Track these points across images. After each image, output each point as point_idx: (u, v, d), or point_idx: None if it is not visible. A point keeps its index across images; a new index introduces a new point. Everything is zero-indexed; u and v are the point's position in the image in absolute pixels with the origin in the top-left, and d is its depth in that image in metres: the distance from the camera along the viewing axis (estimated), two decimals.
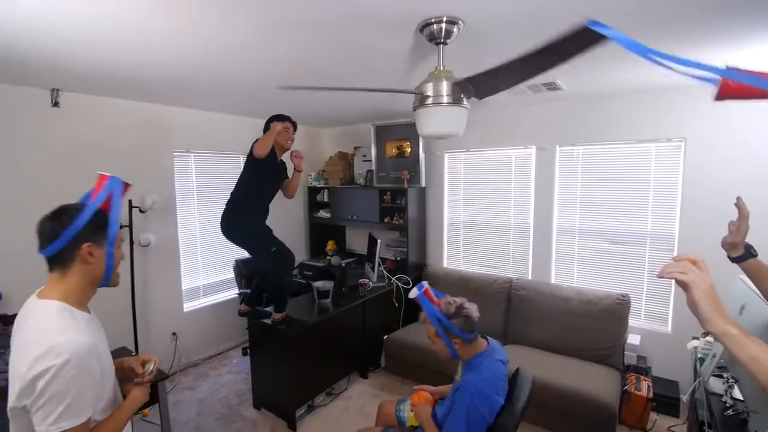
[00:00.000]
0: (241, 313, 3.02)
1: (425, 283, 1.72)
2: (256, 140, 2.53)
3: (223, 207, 2.68)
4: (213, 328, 3.89)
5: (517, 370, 1.82)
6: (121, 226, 1.17)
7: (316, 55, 2.04)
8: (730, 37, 1.81)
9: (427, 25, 1.60)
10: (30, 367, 0.91)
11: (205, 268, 3.90)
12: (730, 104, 2.68)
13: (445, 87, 1.60)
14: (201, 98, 3.16)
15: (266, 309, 3.03)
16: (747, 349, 0.73)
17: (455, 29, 1.61)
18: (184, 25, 1.65)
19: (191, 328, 3.70)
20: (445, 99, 1.60)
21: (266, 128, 2.61)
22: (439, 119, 1.64)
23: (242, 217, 2.62)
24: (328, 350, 3.11)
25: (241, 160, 4.06)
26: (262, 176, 2.60)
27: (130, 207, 3.03)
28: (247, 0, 1.42)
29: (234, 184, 2.71)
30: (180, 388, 3.31)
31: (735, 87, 0.79)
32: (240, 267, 3.89)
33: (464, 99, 1.64)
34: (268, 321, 2.85)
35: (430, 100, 1.63)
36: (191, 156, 3.68)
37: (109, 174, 1.13)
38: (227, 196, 2.71)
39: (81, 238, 1.04)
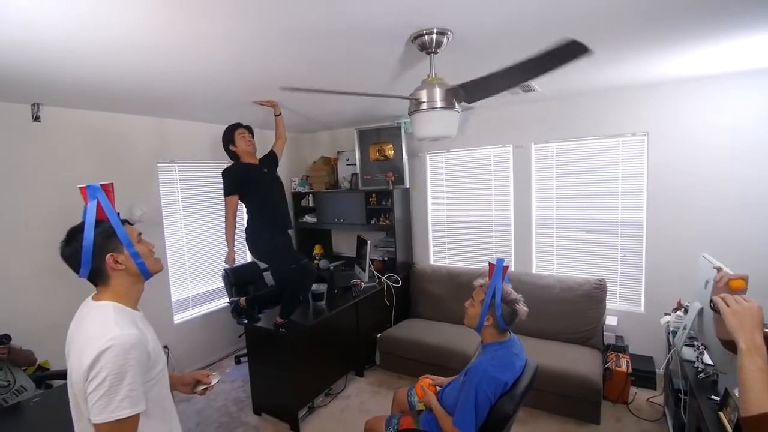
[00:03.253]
0: (236, 309, 3.06)
1: (505, 260, 1.83)
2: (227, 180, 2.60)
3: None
4: (204, 338, 3.87)
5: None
6: (126, 222, 1.17)
7: (311, 64, 2.12)
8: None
9: (418, 36, 1.72)
10: (95, 356, 0.97)
11: (193, 279, 3.87)
12: (688, 101, 2.98)
13: (438, 93, 1.73)
14: (186, 109, 3.16)
15: (259, 316, 3.08)
16: (741, 359, 0.92)
17: (445, 39, 1.74)
18: (176, 38, 1.67)
19: (183, 340, 3.66)
20: (439, 104, 1.73)
21: (227, 151, 2.69)
22: (435, 123, 1.76)
23: (263, 232, 2.68)
24: (325, 351, 3.18)
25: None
26: (260, 193, 2.66)
27: None
28: (248, 12, 1.49)
29: (221, 193, 2.73)
30: (176, 401, 3.26)
31: None
32: (229, 275, 3.89)
33: (456, 103, 1.78)
34: (263, 325, 2.93)
35: (425, 105, 1.75)
36: (175, 166, 3.65)
37: (85, 184, 1.13)
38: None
39: (100, 253, 1.08)
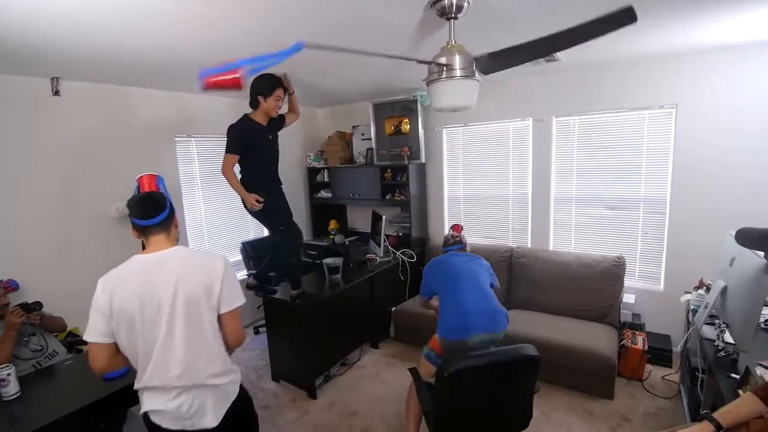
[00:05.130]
0: (249, 286, 3.10)
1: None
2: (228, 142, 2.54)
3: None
4: None
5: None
6: None
7: (326, 32, 2.07)
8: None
9: (438, 0, 1.65)
10: (224, 265, 1.41)
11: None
12: (721, 71, 2.81)
13: (458, 61, 1.66)
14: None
15: (275, 288, 3.13)
16: None
17: (465, 4, 1.66)
18: (192, 8, 1.65)
19: None
20: (458, 72, 1.67)
21: (253, 96, 2.56)
22: (454, 92, 1.71)
23: (254, 190, 2.63)
24: (341, 323, 3.24)
25: None
26: (257, 154, 2.62)
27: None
28: None
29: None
30: None
31: (214, 82, 1.18)
32: (247, 249, 3.96)
33: (476, 72, 1.71)
34: (280, 297, 3.00)
35: (443, 74, 1.69)
36: (192, 141, 3.68)
37: (150, 174, 1.68)
38: None
39: (172, 211, 1.48)
